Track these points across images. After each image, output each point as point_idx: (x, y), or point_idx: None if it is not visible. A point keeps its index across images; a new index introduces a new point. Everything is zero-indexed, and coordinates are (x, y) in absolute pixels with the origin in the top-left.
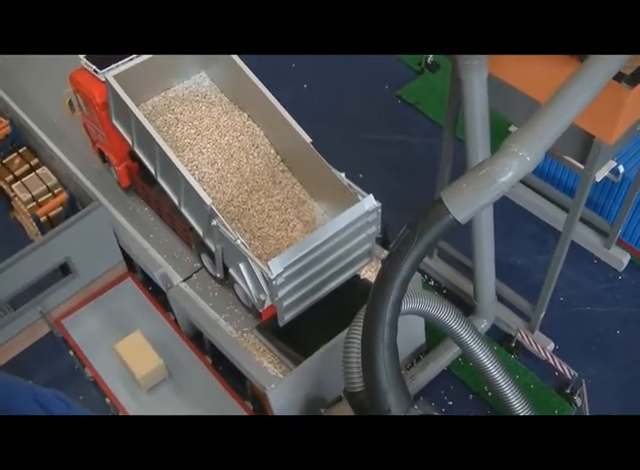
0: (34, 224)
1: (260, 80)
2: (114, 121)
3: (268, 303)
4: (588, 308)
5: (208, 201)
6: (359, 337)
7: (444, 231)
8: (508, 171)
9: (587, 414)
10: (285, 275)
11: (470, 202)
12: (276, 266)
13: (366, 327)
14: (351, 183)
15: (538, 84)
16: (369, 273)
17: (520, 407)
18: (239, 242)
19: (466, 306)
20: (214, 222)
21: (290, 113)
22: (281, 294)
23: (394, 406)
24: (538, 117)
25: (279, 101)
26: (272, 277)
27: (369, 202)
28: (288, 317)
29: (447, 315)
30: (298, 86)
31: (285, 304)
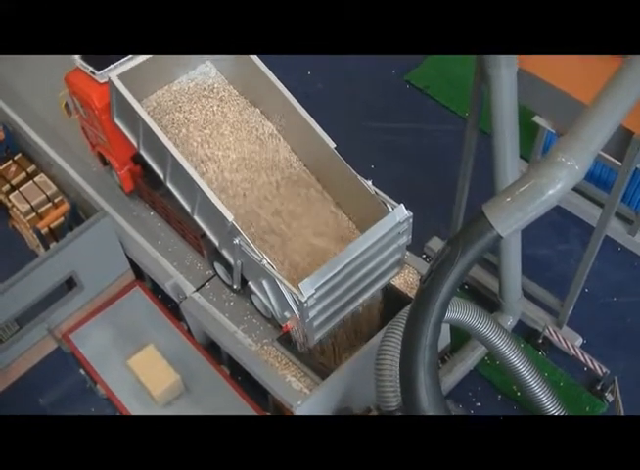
0: (35, 236)
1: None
2: (117, 121)
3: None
4: (614, 299)
5: (230, 217)
6: (391, 355)
7: (487, 248)
8: (557, 183)
9: (621, 411)
10: (316, 296)
11: (515, 216)
12: (307, 288)
13: (405, 351)
14: (378, 191)
15: (569, 76)
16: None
17: (551, 406)
18: (265, 262)
19: (490, 303)
20: (237, 240)
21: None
22: (312, 315)
23: None
24: (584, 122)
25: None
26: (304, 300)
27: (400, 212)
28: (318, 337)
29: (473, 318)
30: (302, 73)
31: (315, 324)
